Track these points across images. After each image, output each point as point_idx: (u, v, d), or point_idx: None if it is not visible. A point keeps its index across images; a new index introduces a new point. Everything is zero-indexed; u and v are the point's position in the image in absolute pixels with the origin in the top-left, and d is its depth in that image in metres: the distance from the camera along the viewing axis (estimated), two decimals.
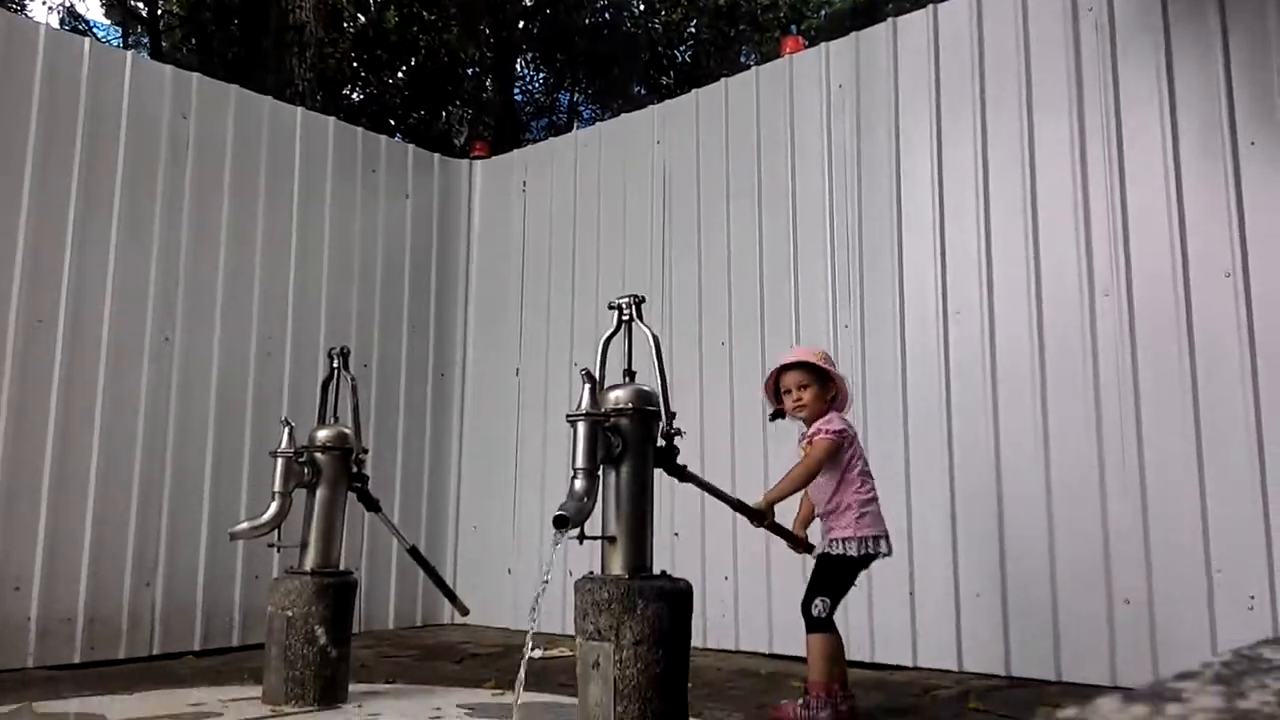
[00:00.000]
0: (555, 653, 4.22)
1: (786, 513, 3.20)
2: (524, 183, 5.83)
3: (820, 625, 2.97)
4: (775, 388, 3.21)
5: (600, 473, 2.54)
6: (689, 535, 4.64)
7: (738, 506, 3.02)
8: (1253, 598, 3.32)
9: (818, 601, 2.98)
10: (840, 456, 3.05)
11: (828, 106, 4.58)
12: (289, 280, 5.10)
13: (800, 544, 3.19)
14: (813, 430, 3.08)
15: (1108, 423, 3.67)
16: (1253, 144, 3.52)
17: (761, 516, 3.03)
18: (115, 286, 4.47)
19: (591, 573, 2.63)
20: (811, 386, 3.12)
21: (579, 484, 2.45)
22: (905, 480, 4.05)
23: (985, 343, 3.98)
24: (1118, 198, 3.76)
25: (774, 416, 3.27)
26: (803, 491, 3.19)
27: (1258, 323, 3.43)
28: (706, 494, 2.98)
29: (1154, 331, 3.62)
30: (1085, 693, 3.41)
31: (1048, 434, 3.79)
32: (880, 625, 4.03)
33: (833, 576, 3.02)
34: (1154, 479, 3.56)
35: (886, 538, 3.07)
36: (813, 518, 3.21)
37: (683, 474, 2.75)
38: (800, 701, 2.94)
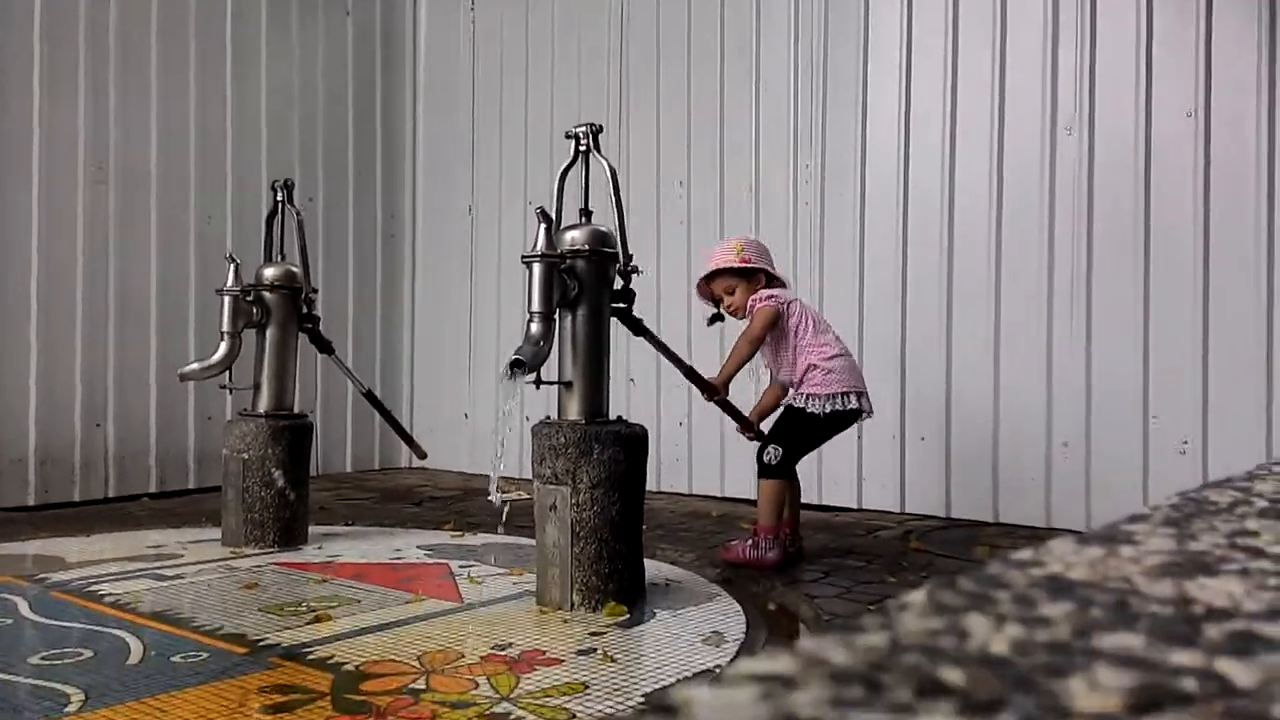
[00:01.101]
0: (512, 496, 4.30)
1: (747, 403, 3.21)
2: (472, 2, 5.54)
3: (770, 471, 3.03)
4: (711, 295, 3.15)
5: (556, 316, 2.52)
6: (644, 381, 4.68)
7: (690, 375, 2.99)
8: (1185, 443, 3.45)
9: (770, 449, 3.03)
10: (783, 324, 3.03)
11: None
12: (226, 109, 4.86)
13: (748, 427, 3.15)
14: (749, 307, 3.05)
15: (1059, 267, 3.70)
16: None
17: (714, 391, 3.01)
18: (42, 117, 4.24)
19: (548, 418, 2.64)
20: (738, 286, 3.07)
21: (535, 328, 2.43)
22: (858, 325, 4.08)
23: (945, 186, 3.95)
24: (1088, 30, 3.67)
25: (711, 320, 3.20)
26: (770, 385, 3.18)
27: (1214, 166, 3.43)
28: (658, 349, 2.95)
29: (1112, 171, 3.61)
30: (1021, 533, 3.58)
31: (1000, 277, 3.82)
32: (828, 469, 4.15)
33: (792, 429, 3.04)
34: (1099, 325, 3.62)
35: (862, 394, 3.05)
36: (774, 409, 3.19)
37: (638, 327, 2.73)
38: (749, 542, 3.04)
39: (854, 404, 3.02)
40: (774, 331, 3.04)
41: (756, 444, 3.11)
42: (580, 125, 2.69)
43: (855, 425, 3.19)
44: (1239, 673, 0.34)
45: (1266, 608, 0.42)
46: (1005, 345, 3.81)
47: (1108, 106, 3.63)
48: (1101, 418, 3.61)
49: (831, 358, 3.03)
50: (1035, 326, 3.74)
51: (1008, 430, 3.80)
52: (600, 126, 2.70)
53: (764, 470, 3.04)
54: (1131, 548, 0.56)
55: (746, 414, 3.17)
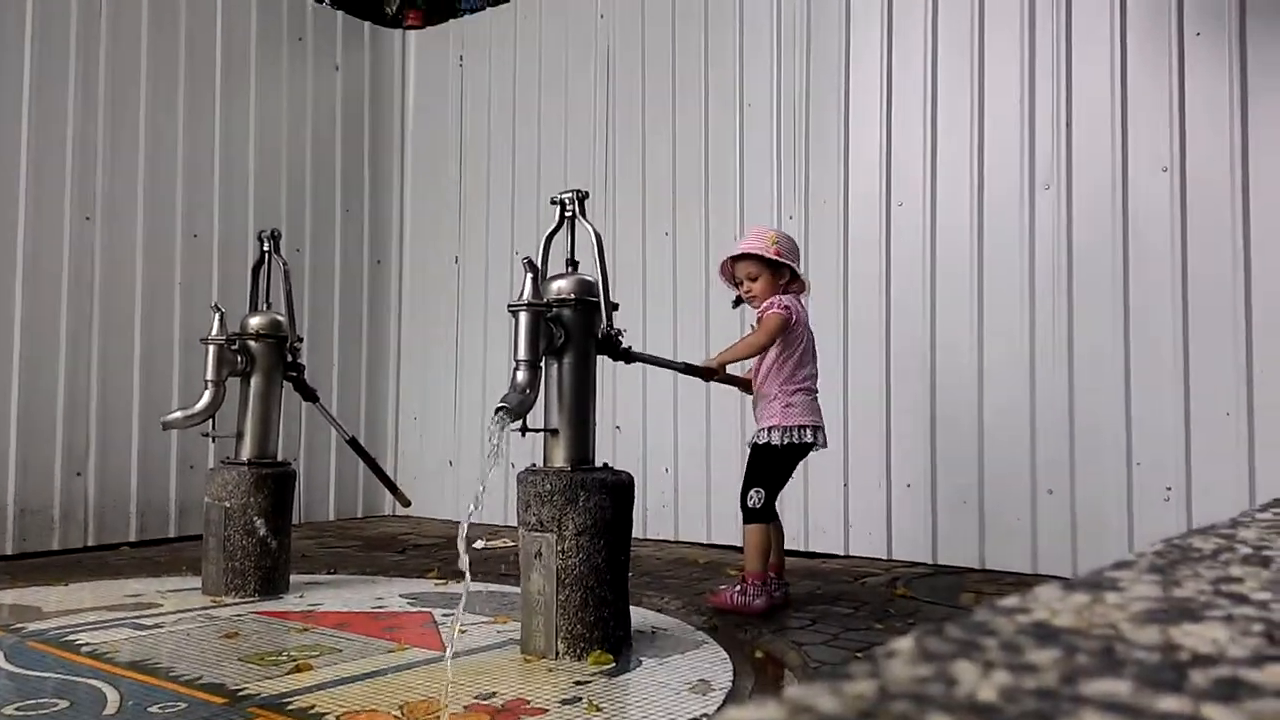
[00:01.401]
0: (497, 543, 4.27)
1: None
2: (461, 57, 5.61)
3: (755, 516, 3.03)
4: (733, 274, 3.18)
5: (542, 364, 2.53)
6: (630, 428, 4.68)
7: (687, 369, 3.06)
8: (1169, 489, 3.47)
9: (753, 493, 3.03)
10: (786, 337, 3.05)
11: None
12: (214, 158, 4.88)
13: (750, 387, 3.19)
14: (761, 308, 3.07)
15: (1040, 317, 3.74)
16: (1198, 35, 3.52)
17: (712, 373, 3.06)
18: (30, 165, 4.25)
19: (534, 465, 2.64)
20: (762, 276, 3.09)
21: (521, 376, 2.43)
22: (843, 372, 4.10)
23: (926, 236, 4.00)
24: (1063, 88, 3.75)
25: (736, 303, 3.27)
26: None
27: (1191, 218, 3.48)
28: (655, 366, 3.05)
29: (1090, 225, 3.66)
30: (1007, 579, 3.57)
31: (982, 329, 3.85)
32: (814, 516, 4.14)
33: (764, 467, 3.06)
34: (1081, 373, 3.65)
35: (819, 429, 3.07)
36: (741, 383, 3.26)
37: (629, 356, 2.74)
38: (737, 588, 3.02)
39: (809, 438, 3.06)
40: (780, 336, 3.05)
41: (742, 485, 3.10)
42: (566, 192, 2.73)
43: (810, 458, 3.25)
44: (1225, 718, 0.34)
45: (1251, 654, 0.42)
46: (989, 394, 3.83)
47: (1084, 162, 3.69)
48: (1085, 465, 3.63)
49: (795, 392, 3.05)
50: (1018, 376, 3.76)
51: (993, 477, 3.80)
52: (586, 192, 2.73)
53: (748, 515, 3.04)
54: (1117, 594, 0.56)
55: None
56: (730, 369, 3.16)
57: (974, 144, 3.92)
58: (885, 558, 4.00)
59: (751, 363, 3.18)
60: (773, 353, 3.06)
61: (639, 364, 2.94)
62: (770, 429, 3.04)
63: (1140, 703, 0.36)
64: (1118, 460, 3.56)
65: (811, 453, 3.15)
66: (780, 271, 3.09)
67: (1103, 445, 3.59)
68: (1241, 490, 3.31)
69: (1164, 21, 3.58)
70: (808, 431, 3.04)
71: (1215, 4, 3.50)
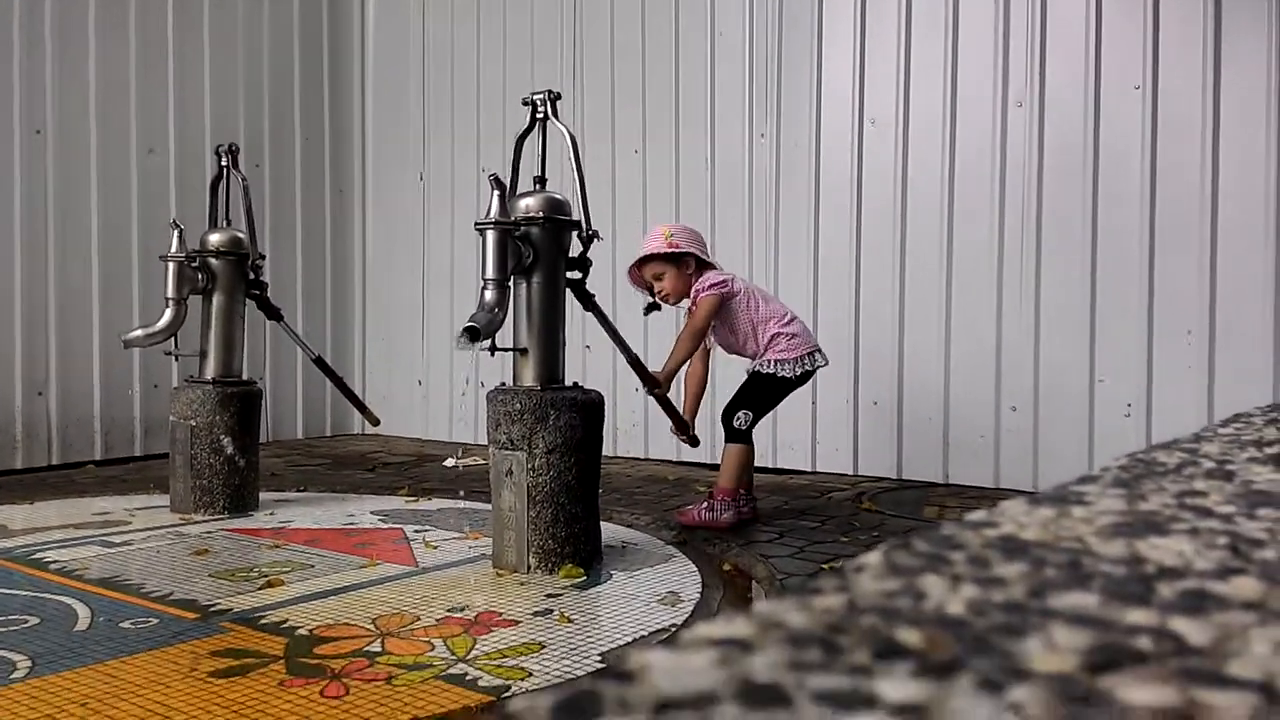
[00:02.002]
0: (468, 461, 4.29)
1: (677, 400, 3.20)
2: None
3: (740, 436, 3.07)
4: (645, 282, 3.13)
5: (511, 283, 2.50)
6: (600, 348, 4.67)
7: (634, 364, 2.95)
8: (1130, 406, 3.53)
9: (741, 414, 3.06)
10: (730, 308, 3.03)
11: None
12: (168, 72, 4.71)
13: (683, 429, 3.14)
14: (692, 296, 3.04)
15: (1009, 235, 3.74)
16: None
17: (656, 384, 2.97)
18: None
19: (503, 384, 2.63)
20: (667, 271, 3.05)
21: (489, 295, 2.40)
22: (813, 292, 4.10)
23: (898, 154, 3.97)
24: (1038, 5, 3.69)
25: (647, 310, 3.16)
26: (689, 378, 3.19)
27: (1161, 137, 3.48)
28: (604, 328, 2.90)
29: (1062, 143, 3.65)
30: (970, 494, 3.65)
31: (951, 246, 3.85)
32: (783, 433, 4.18)
33: (761, 393, 3.09)
34: (1048, 290, 3.68)
35: (819, 350, 3.13)
36: (698, 407, 3.21)
37: (589, 303, 2.72)
38: (705, 504, 3.06)
39: (820, 361, 3.12)
40: (721, 316, 3.04)
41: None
42: (538, 92, 2.65)
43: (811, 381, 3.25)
44: (1192, 631, 0.34)
45: (1217, 566, 0.42)
46: (956, 312, 3.85)
47: (1058, 81, 3.66)
48: (1048, 382, 3.68)
49: (790, 322, 3.09)
50: (985, 294, 3.78)
51: (957, 394, 3.85)
52: (559, 93, 2.66)
53: (732, 434, 3.07)
54: (1083, 508, 0.56)
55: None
56: (680, 386, 3.12)
57: (947, 62, 3.86)
58: (851, 473, 4.07)
59: (735, 348, 3.13)
60: (744, 321, 3.05)
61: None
62: (778, 361, 3.04)
63: (1108, 615, 0.36)
64: (1081, 377, 3.61)
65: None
66: (684, 262, 3.06)
67: (1066, 362, 3.63)
68: (1200, 408, 3.38)
69: None
70: (818, 356, 3.11)
71: None
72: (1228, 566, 0.43)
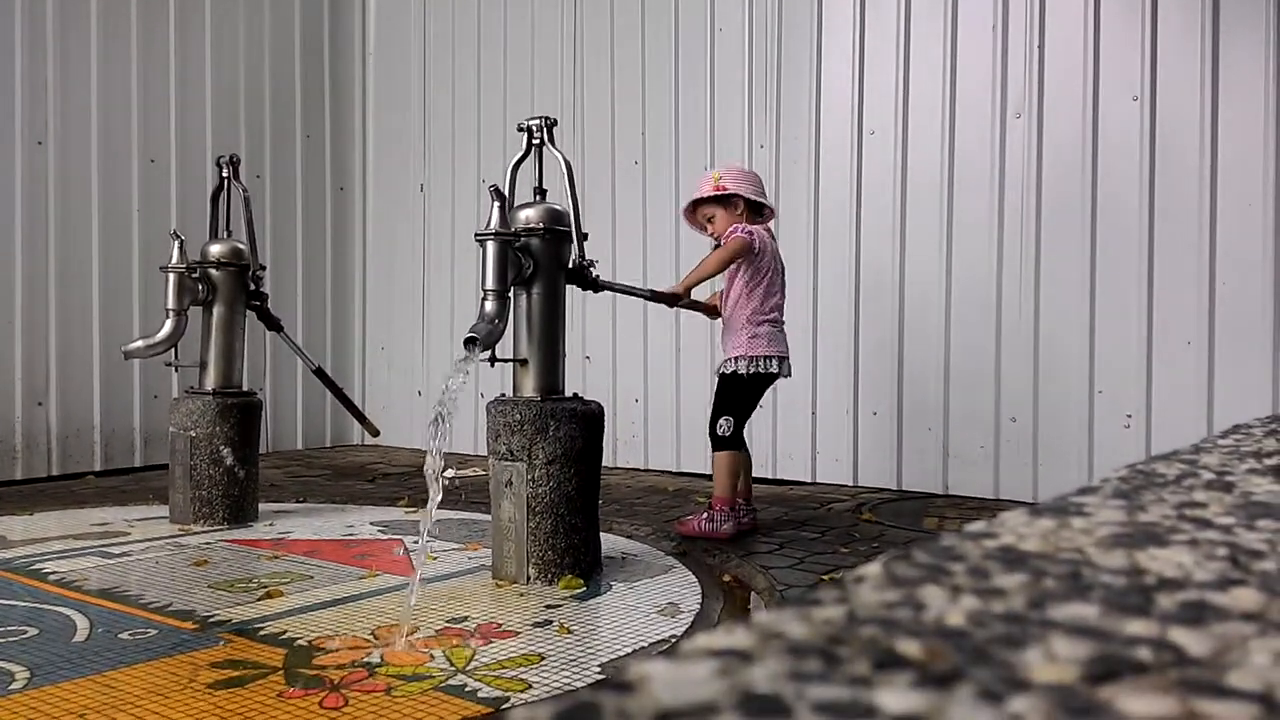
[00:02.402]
0: (468, 472, 4.28)
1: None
2: None
3: (724, 443, 3.07)
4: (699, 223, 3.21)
5: (511, 294, 2.50)
6: (600, 358, 4.68)
7: (652, 296, 3.06)
8: (1129, 416, 3.53)
9: (722, 421, 3.06)
10: (752, 261, 3.04)
11: None
12: (169, 82, 4.73)
13: (716, 312, 3.21)
14: (724, 234, 3.07)
15: (1008, 245, 3.75)
16: None
17: (676, 298, 3.07)
18: None
19: (503, 395, 2.63)
20: (716, 213, 3.11)
21: (489, 305, 2.41)
22: (812, 301, 4.11)
23: (897, 164, 3.97)
24: (1036, 15, 3.70)
25: (717, 245, 3.22)
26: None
27: (1159, 147, 3.48)
28: (622, 295, 3.03)
29: (1060, 154, 3.66)
30: (969, 504, 3.64)
31: (951, 258, 3.86)
32: (783, 444, 4.18)
33: (731, 396, 3.08)
34: (1047, 301, 3.68)
35: (783, 358, 3.10)
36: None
37: (597, 284, 2.72)
38: (705, 515, 3.06)
39: (774, 368, 3.09)
40: (742, 260, 3.04)
41: (711, 415, 3.12)
42: (534, 118, 2.66)
43: (774, 388, 3.32)
44: (1192, 642, 0.34)
45: (1216, 577, 0.43)
46: (955, 322, 3.85)
47: (1056, 91, 3.67)
48: (1048, 393, 3.68)
49: (761, 322, 3.07)
50: (985, 304, 3.79)
51: (958, 405, 3.85)
52: (554, 120, 2.67)
53: (718, 442, 3.07)
54: (1083, 519, 0.56)
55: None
56: (696, 294, 3.16)
57: (946, 72, 3.87)
58: (851, 484, 4.06)
59: (719, 287, 3.18)
60: (740, 282, 3.06)
61: (608, 294, 2.93)
62: (736, 359, 3.06)
63: (1108, 626, 0.36)
64: (1080, 388, 3.61)
65: (776, 382, 3.18)
66: (734, 202, 3.09)
67: (1066, 373, 3.64)
68: (1200, 419, 3.38)
69: None
70: (773, 361, 3.07)
71: None
72: (1227, 577, 0.43)
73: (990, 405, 3.78)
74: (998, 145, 3.77)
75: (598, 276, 2.70)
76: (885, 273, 4.00)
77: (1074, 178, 3.63)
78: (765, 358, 3.05)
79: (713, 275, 3.10)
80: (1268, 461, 0.78)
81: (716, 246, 3.12)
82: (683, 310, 3.35)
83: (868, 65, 4.05)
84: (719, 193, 3.09)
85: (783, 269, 3.16)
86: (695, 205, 3.16)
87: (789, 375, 3.16)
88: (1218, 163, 3.39)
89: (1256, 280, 3.33)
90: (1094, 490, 0.67)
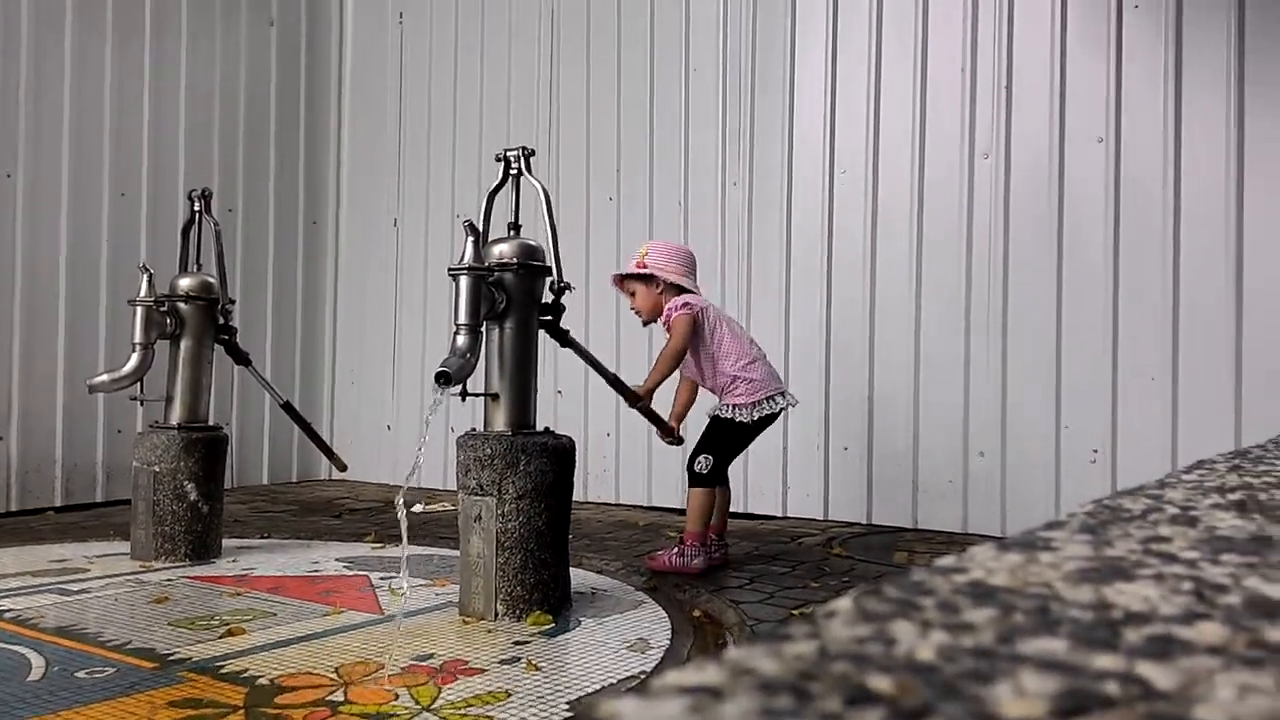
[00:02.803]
0: (436, 507, 4.24)
1: (664, 405, 3.23)
2: (401, 15, 5.47)
3: (700, 480, 3.06)
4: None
5: (483, 329, 2.50)
6: (572, 393, 4.67)
7: (615, 384, 3.01)
8: (1095, 452, 3.57)
9: (701, 459, 3.06)
10: (702, 332, 3.07)
11: None
12: (143, 115, 4.71)
13: (670, 433, 3.21)
14: (663, 318, 3.10)
15: (976, 283, 3.80)
16: (1136, 7, 3.57)
17: (637, 398, 3.03)
18: None
19: (474, 429, 2.61)
20: (637, 289, 3.16)
21: (461, 340, 2.40)
22: (784, 337, 4.13)
23: (868, 203, 4.03)
24: (1004, 59, 3.78)
25: (645, 322, 3.28)
26: (682, 385, 3.23)
27: (1123, 188, 3.56)
28: (585, 360, 2.96)
29: (1027, 194, 3.73)
30: (938, 539, 3.66)
31: (920, 295, 3.91)
32: (753, 479, 4.18)
33: (720, 438, 3.09)
34: (1015, 339, 3.73)
35: (782, 392, 3.13)
36: (688, 410, 3.26)
37: (565, 339, 2.73)
38: (675, 550, 3.05)
39: (780, 404, 3.11)
40: (691, 342, 3.05)
41: (678, 448, 3.13)
42: (512, 148, 2.68)
43: (780, 422, 3.28)
44: (1159, 676, 0.34)
45: (1182, 611, 0.43)
46: (925, 359, 3.89)
47: (1023, 133, 3.74)
48: (1016, 428, 3.71)
49: (749, 365, 3.08)
50: (953, 341, 3.83)
51: (927, 440, 3.88)
52: (532, 150, 2.69)
53: (695, 479, 3.07)
54: (1050, 554, 0.57)
55: (666, 418, 3.21)
56: (661, 397, 3.15)
57: (916, 114, 3.94)
58: (822, 518, 4.07)
59: (683, 379, 3.19)
60: (703, 353, 3.09)
61: (582, 326, 2.93)
62: (738, 406, 3.06)
63: (1076, 661, 0.36)
64: (1047, 424, 3.65)
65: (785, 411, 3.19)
66: (654, 283, 3.13)
67: (1033, 409, 3.67)
68: (1164, 454, 3.42)
69: None
70: (777, 399, 3.10)
71: None
72: (1193, 611, 0.43)
73: (959, 440, 3.80)
74: (966, 185, 3.83)
75: (567, 331, 2.71)
76: (855, 309, 4.03)
77: (1040, 217, 3.69)
78: (768, 398, 3.08)
79: (674, 369, 3.09)
80: (1230, 496, 0.79)
81: (649, 322, 3.20)
82: (658, 340, 3.34)
83: (839, 105, 4.11)
84: (639, 270, 3.15)
85: (730, 319, 3.20)
86: (623, 285, 3.23)
87: (796, 402, 3.20)
88: (1180, 202, 3.47)
89: (1219, 317, 3.40)
90: (1061, 525, 0.67)
